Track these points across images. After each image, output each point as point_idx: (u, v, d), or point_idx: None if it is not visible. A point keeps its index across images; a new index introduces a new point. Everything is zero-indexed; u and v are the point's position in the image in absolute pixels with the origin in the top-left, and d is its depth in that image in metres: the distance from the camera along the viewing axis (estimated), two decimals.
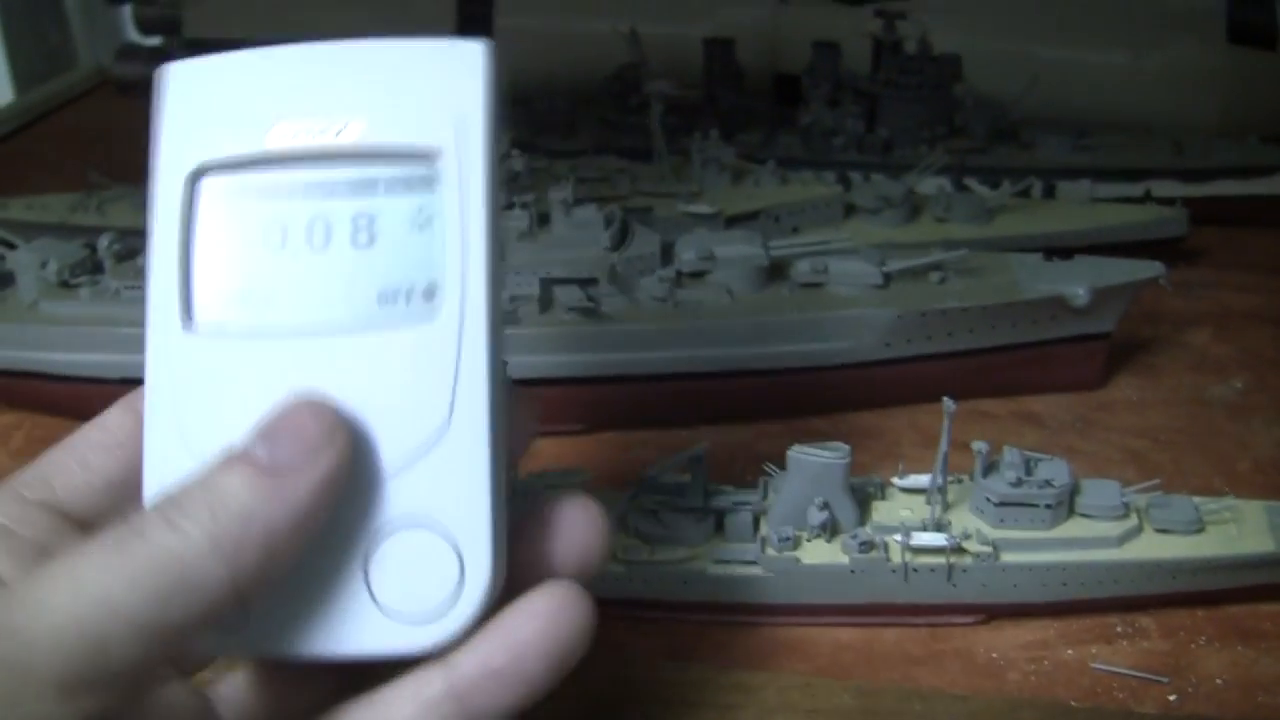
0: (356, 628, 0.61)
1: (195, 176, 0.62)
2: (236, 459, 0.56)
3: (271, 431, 0.57)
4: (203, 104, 0.63)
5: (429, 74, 0.63)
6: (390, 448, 0.61)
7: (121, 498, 0.63)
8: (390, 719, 0.60)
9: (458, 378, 0.61)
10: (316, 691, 0.64)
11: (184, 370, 0.62)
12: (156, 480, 0.61)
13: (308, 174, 0.62)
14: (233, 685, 0.64)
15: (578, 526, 0.66)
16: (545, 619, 0.61)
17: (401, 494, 0.61)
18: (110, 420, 0.66)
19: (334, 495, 0.57)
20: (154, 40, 2.04)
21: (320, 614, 0.62)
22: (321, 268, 0.62)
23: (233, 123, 0.62)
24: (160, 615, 0.50)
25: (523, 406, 0.68)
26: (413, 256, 0.62)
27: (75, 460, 0.64)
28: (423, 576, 0.61)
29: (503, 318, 0.63)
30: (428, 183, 0.62)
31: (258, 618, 0.61)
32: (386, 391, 0.61)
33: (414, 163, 0.62)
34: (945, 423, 0.88)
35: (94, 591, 0.49)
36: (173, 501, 0.54)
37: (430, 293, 0.61)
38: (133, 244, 1.23)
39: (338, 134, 0.62)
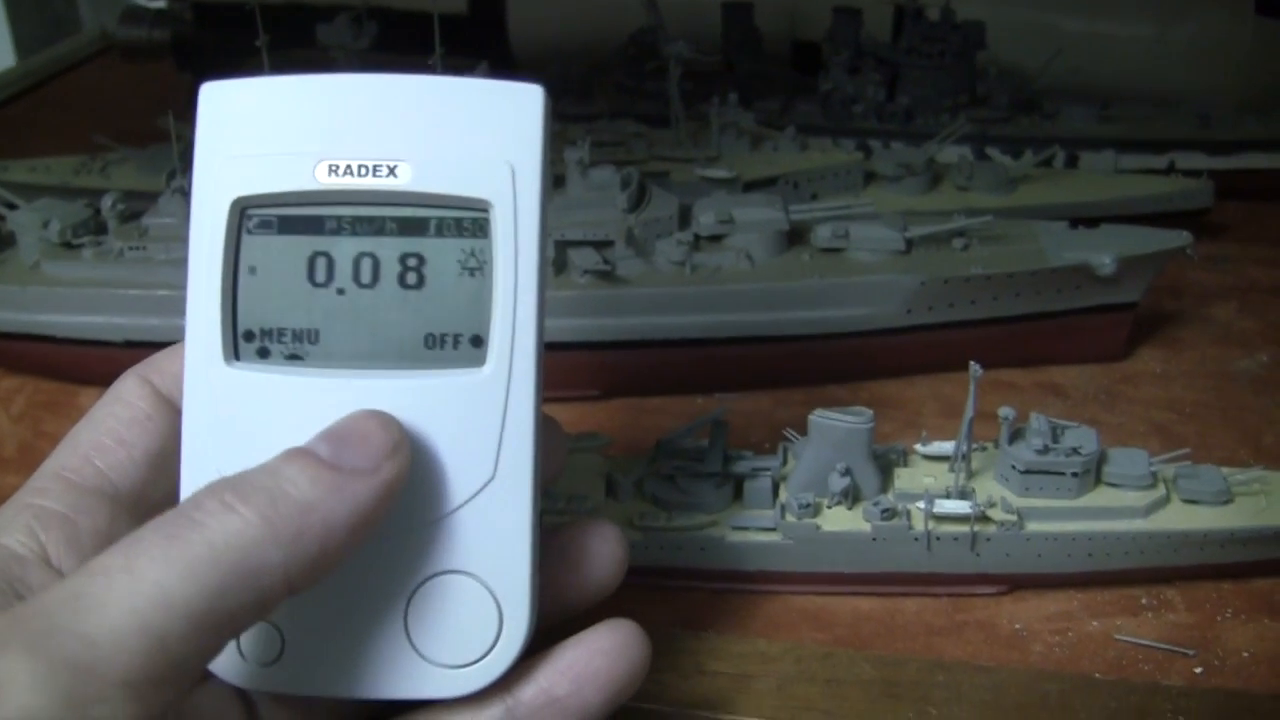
0: (393, 670, 0.63)
1: (239, 207, 0.62)
2: (300, 453, 0.56)
3: (339, 435, 0.58)
4: (244, 130, 0.63)
5: (484, 119, 0.63)
6: (434, 493, 0.62)
7: (162, 470, 0.64)
8: None
9: (504, 428, 0.62)
10: (364, 705, 0.65)
11: (224, 402, 0.62)
12: None
13: (356, 209, 0.62)
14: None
15: (601, 555, 0.70)
16: (609, 655, 0.64)
17: (443, 540, 0.62)
18: (128, 393, 0.66)
19: (389, 505, 0.58)
20: (158, 2, 2.03)
21: (357, 655, 0.63)
22: (368, 305, 0.62)
23: (278, 155, 0.62)
24: (217, 606, 0.50)
25: (552, 438, 0.69)
26: (461, 302, 0.62)
27: (111, 438, 0.64)
28: (461, 623, 0.63)
29: (544, 363, 0.63)
30: (479, 226, 0.62)
31: (294, 654, 0.62)
32: (431, 436, 0.62)
33: (467, 207, 0.62)
34: (971, 387, 0.86)
35: (151, 586, 0.49)
36: (231, 485, 0.54)
37: (478, 340, 0.62)
38: (136, 205, 1.22)
39: (388, 175, 0.62)
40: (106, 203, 1.20)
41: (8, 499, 0.61)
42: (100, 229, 1.20)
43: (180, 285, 1.09)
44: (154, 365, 0.67)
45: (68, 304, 1.16)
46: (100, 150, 1.51)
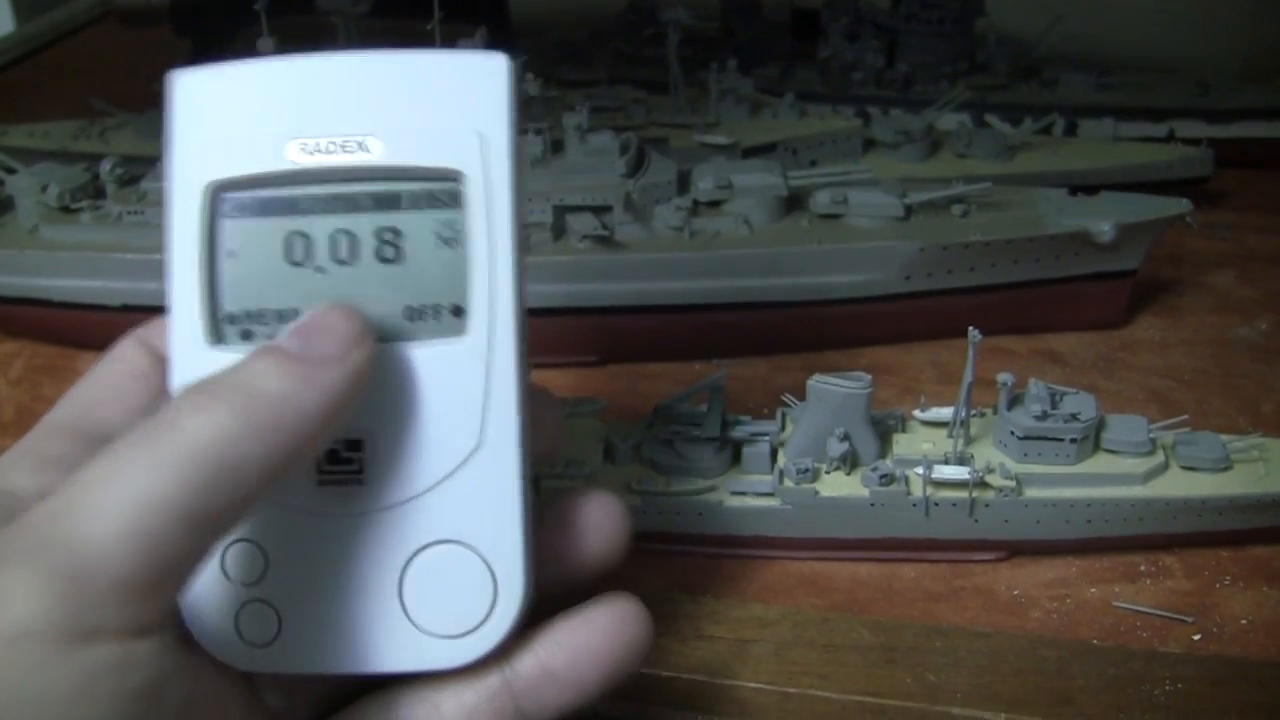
0: (389, 644, 0.63)
1: (214, 190, 0.62)
2: (268, 349, 0.56)
3: (303, 329, 0.58)
4: (216, 116, 0.63)
5: (450, 90, 0.63)
6: (422, 463, 0.62)
7: None
8: (448, 703, 0.62)
9: (488, 395, 0.62)
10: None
11: None
12: None
13: (329, 187, 0.62)
14: None
15: (602, 526, 0.69)
16: (608, 632, 0.64)
17: (433, 511, 0.62)
18: (126, 352, 0.66)
19: (359, 394, 0.58)
20: None
21: (353, 631, 0.63)
22: (348, 282, 0.62)
23: (250, 137, 0.62)
24: (204, 504, 0.50)
25: (547, 410, 0.68)
26: (440, 273, 0.62)
27: (111, 393, 0.64)
28: (456, 593, 0.62)
29: (528, 330, 0.63)
30: (452, 196, 0.62)
31: (292, 633, 0.62)
32: (416, 406, 0.62)
33: (438, 178, 0.62)
34: (970, 353, 0.86)
35: (137, 491, 0.49)
36: (202, 387, 0.54)
37: (458, 310, 0.62)
38: (135, 170, 1.22)
39: (359, 150, 0.61)
40: (105, 167, 1.20)
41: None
42: (99, 193, 1.20)
43: None
44: (152, 329, 0.66)
45: (66, 268, 1.16)
46: (99, 115, 1.50)
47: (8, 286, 1.19)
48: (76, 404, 0.63)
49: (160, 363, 0.64)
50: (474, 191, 0.61)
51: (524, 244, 0.63)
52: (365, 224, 0.62)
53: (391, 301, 0.62)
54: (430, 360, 0.61)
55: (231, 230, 0.62)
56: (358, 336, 0.58)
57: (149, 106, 1.43)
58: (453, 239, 0.62)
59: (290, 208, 0.62)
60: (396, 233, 0.62)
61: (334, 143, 0.61)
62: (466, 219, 0.62)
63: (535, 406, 0.64)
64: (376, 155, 0.61)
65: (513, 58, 0.63)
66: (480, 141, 0.62)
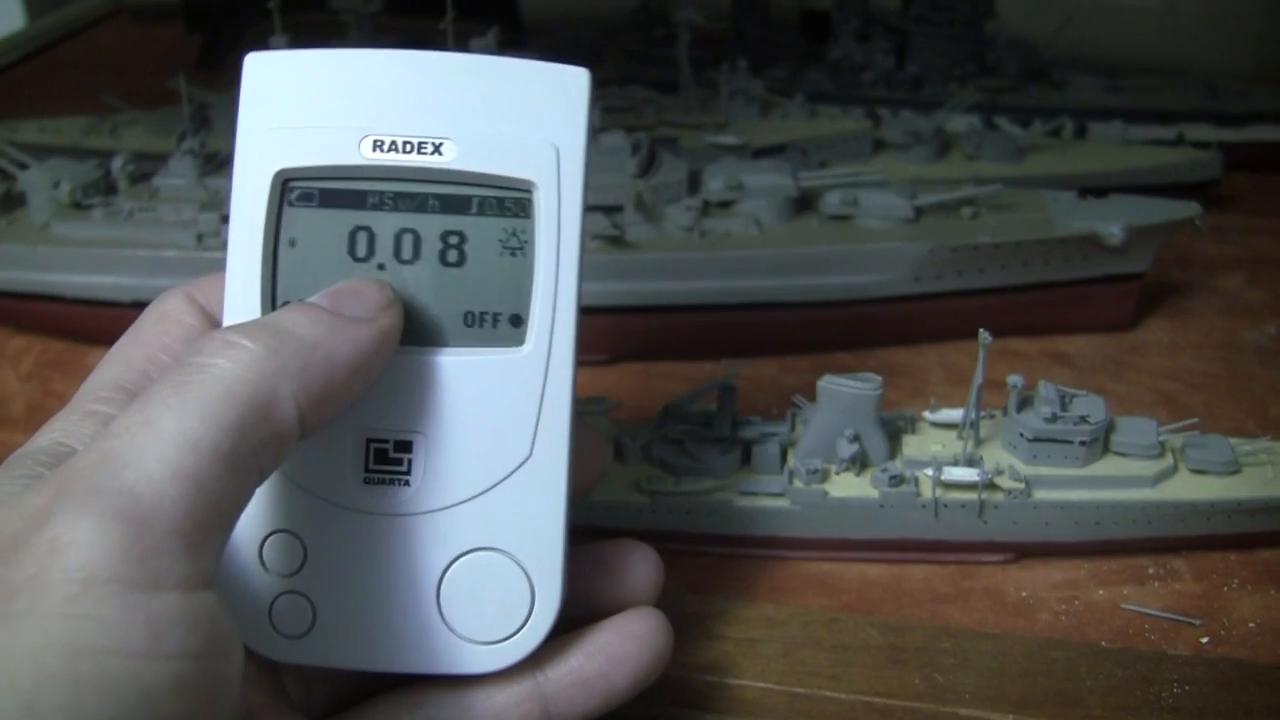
0: (423, 645, 0.63)
1: (281, 180, 0.62)
2: (299, 304, 0.58)
3: (336, 292, 0.59)
4: (289, 103, 0.63)
5: (529, 99, 0.63)
6: (470, 470, 0.62)
7: None
8: (478, 704, 0.64)
9: (542, 407, 0.62)
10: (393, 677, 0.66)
11: None
12: None
13: (398, 185, 0.63)
14: None
15: (639, 576, 0.70)
16: (638, 640, 0.65)
17: (477, 518, 0.63)
18: (176, 310, 0.66)
19: (387, 355, 0.59)
20: None
21: (387, 630, 0.63)
22: (408, 281, 0.63)
23: (322, 129, 0.63)
24: (240, 443, 0.51)
25: (590, 442, 0.70)
26: (502, 281, 0.62)
27: (166, 354, 0.64)
28: (493, 600, 0.63)
29: (580, 342, 0.63)
30: (522, 206, 0.62)
31: (326, 627, 0.63)
32: (469, 413, 0.62)
33: (510, 187, 0.62)
34: (980, 355, 0.86)
35: (174, 434, 0.49)
36: (233, 326, 0.55)
37: (518, 319, 0.62)
38: (146, 166, 1.22)
39: (433, 153, 0.62)
40: (117, 163, 1.20)
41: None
42: (110, 189, 1.20)
43: (188, 246, 1.09)
44: (200, 285, 0.67)
45: (77, 264, 1.16)
46: (110, 111, 1.50)
47: (19, 282, 1.18)
48: (129, 365, 0.63)
49: (211, 322, 0.65)
50: (544, 203, 0.62)
51: (584, 258, 0.63)
52: (431, 225, 0.62)
53: (451, 305, 0.62)
54: (486, 369, 0.62)
55: (295, 219, 0.63)
56: (387, 304, 0.59)
57: (159, 103, 1.44)
58: (518, 248, 0.62)
59: (357, 201, 0.62)
60: (462, 236, 0.62)
61: (409, 142, 0.62)
62: (534, 230, 0.62)
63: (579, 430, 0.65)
64: (450, 159, 0.62)
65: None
66: (556, 155, 0.62)
